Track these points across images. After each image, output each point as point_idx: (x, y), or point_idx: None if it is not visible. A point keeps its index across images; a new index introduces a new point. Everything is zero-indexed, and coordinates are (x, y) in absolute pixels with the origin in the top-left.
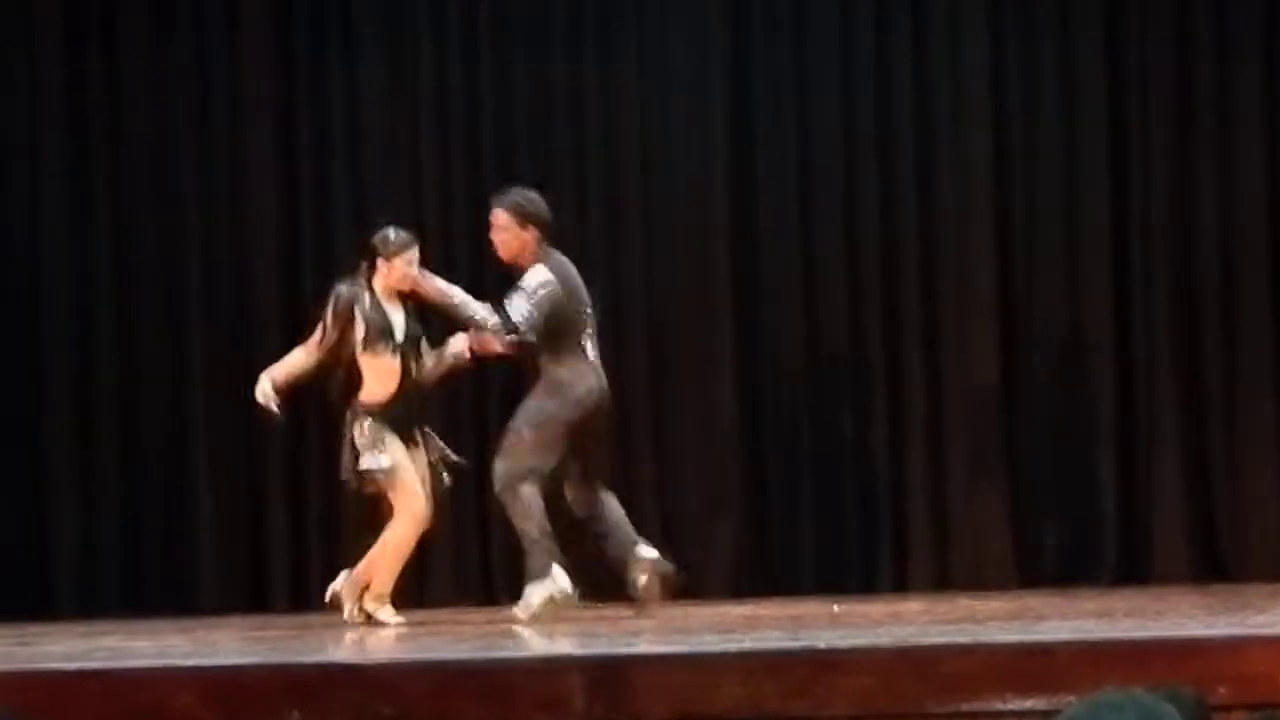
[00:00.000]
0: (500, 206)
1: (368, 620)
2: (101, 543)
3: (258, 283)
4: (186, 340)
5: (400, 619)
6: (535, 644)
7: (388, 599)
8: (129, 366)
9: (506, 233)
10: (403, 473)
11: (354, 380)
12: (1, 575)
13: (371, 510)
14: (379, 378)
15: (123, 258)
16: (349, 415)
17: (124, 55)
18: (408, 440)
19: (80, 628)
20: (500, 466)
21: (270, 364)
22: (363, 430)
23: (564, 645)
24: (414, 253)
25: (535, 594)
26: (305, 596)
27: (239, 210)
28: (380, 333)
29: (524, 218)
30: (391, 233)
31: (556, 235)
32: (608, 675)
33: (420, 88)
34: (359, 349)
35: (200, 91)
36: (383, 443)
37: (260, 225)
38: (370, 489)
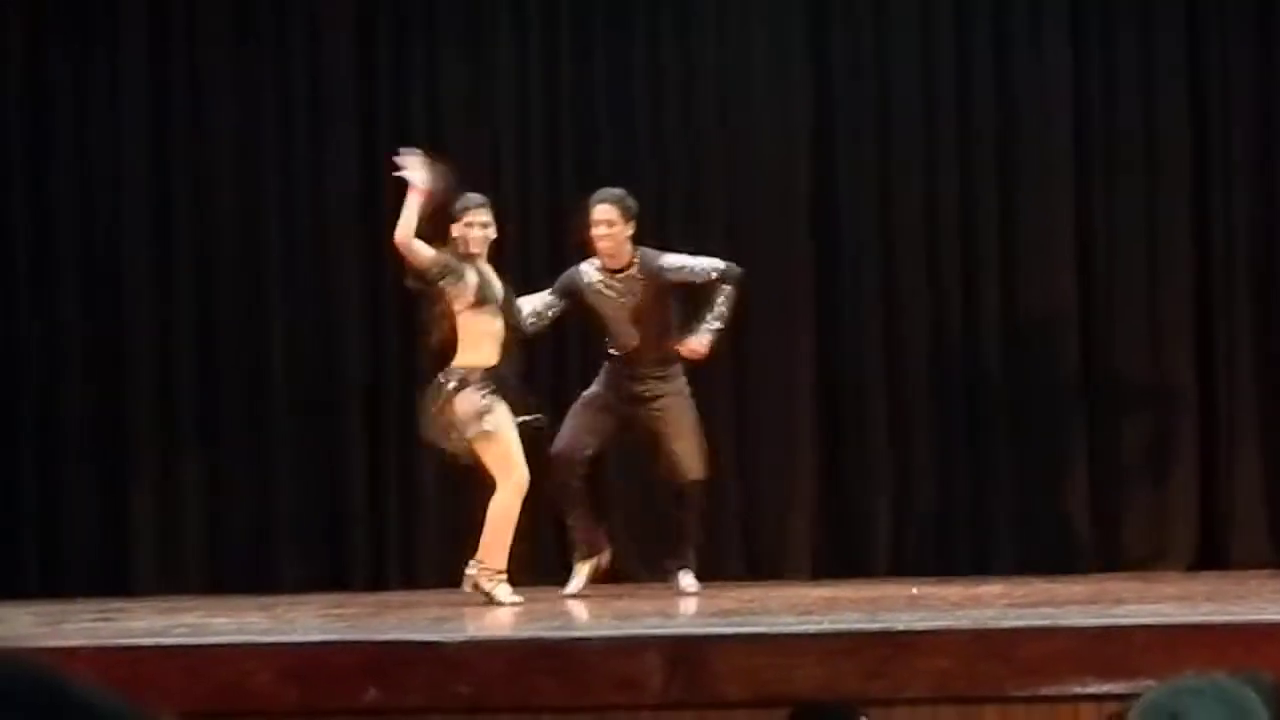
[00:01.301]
0: (607, 202)
1: (488, 600)
2: (182, 519)
3: (339, 279)
4: (267, 328)
5: (518, 598)
6: (613, 623)
7: (503, 575)
8: (209, 350)
9: (615, 228)
10: (506, 440)
11: (450, 345)
12: (85, 552)
13: (459, 480)
14: (480, 340)
15: (203, 248)
16: (443, 380)
17: (205, 56)
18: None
19: (161, 604)
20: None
21: (348, 348)
22: (465, 396)
23: (642, 625)
24: (481, 215)
25: None
26: (384, 574)
27: (320, 207)
28: (482, 294)
29: (627, 214)
30: (466, 197)
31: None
32: (685, 655)
33: (498, 87)
34: (462, 310)
35: (282, 92)
36: (489, 409)
37: (342, 218)
38: (472, 457)
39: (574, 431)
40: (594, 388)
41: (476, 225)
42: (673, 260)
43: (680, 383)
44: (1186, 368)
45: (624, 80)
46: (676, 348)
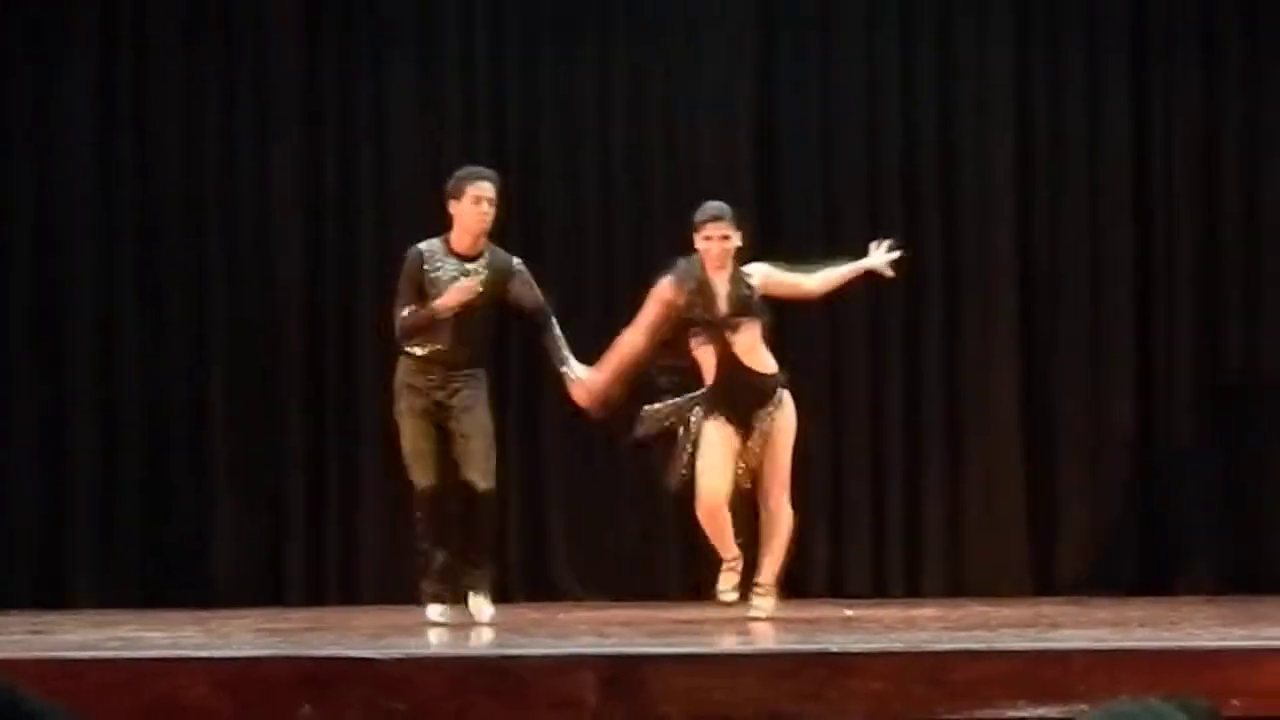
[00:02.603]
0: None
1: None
2: (118, 533)
3: (280, 281)
4: (208, 338)
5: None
6: (550, 641)
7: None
8: (150, 361)
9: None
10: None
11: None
12: (20, 564)
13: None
14: (707, 357)
15: (147, 260)
16: (687, 407)
17: (153, 53)
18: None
19: (95, 616)
20: None
21: (290, 363)
22: (696, 418)
23: (579, 644)
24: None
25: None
26: (321, 589)
27: (264, 210)
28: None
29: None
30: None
31: (578, 235)
32: (622, 674)
33: (448, 89)
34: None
35: (228, 92)
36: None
37: (285, 226)
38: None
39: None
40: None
41: (716, 238)
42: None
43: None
44: (1126, 393)
45: (570, 86)
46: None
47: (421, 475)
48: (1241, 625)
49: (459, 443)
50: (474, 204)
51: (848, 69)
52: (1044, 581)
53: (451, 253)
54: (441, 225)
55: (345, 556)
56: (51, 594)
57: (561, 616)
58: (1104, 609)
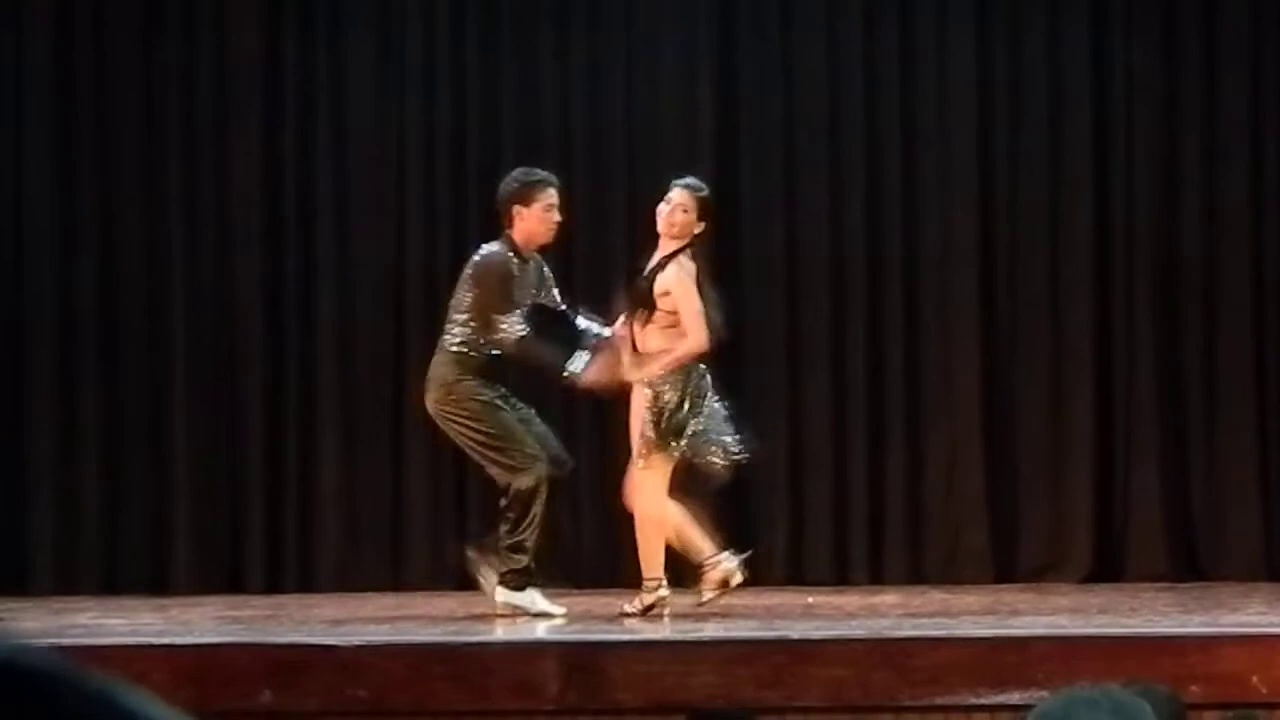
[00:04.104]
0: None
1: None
2: (78, 520)
3: (240, 272)
4: (168, 325)
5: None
6: (511, 629)
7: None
8: (110, 349)
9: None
10: None
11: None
12: None
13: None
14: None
15: (106, 247)
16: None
17: (111, 44)
18: None
19: (55, 604)
20: None
21: (249, 351)
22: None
23: (539, 631)
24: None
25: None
26: (280, 576)
27: (223, 204)
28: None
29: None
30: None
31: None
32: (582, 661)
33: (408, 78)
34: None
35: (187, 82)
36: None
37: (245, 217)
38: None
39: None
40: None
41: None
42: None
43: None
44: (1085, 380)
45: (531, 77)
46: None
47: (535, 457)
48: (1200, 612)
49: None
50: (545, 211)
51: (808, 56)
52: (1004, 569)
53: (518, 255)
54: (401, 217)
55: (304, 544)
56: (11, 581)
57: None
58: (1064, 596)
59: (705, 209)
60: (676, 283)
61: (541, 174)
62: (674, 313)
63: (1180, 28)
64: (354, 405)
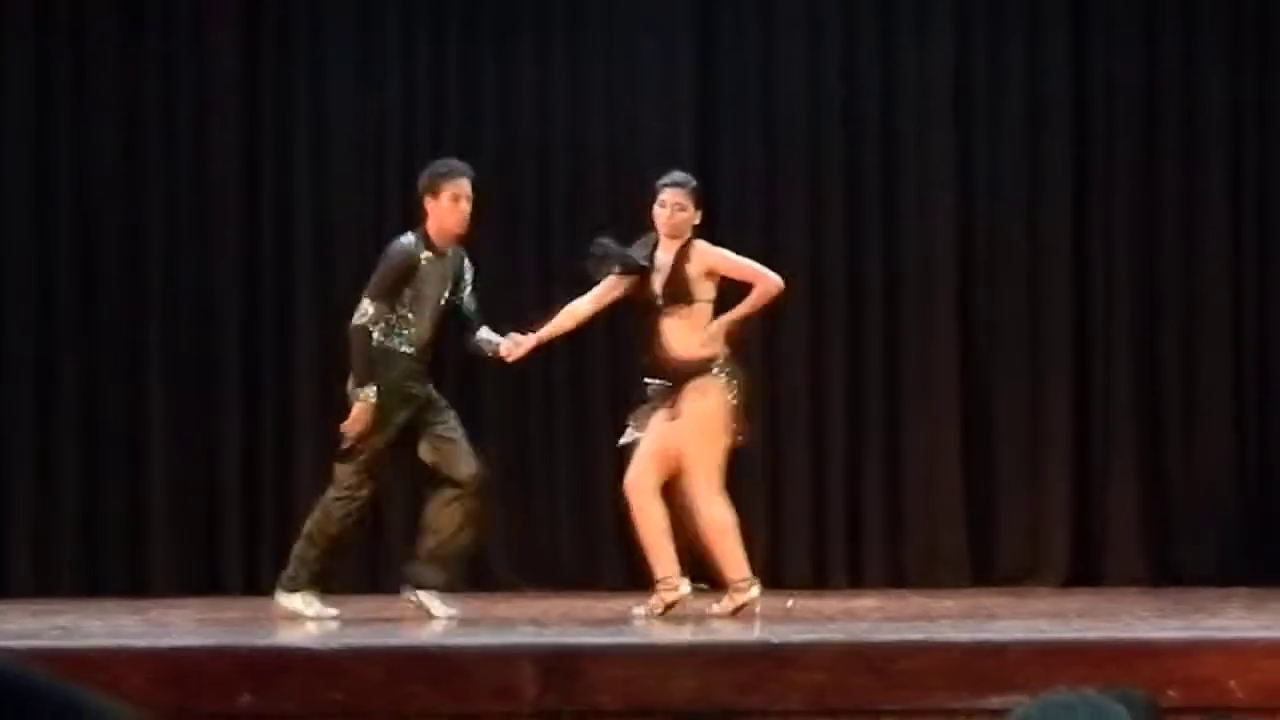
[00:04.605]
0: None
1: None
2: (56, 522)
3: (218, 271)
4: (146, 326)
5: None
6: (489, 632)
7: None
8: (87, 350)
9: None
10: None
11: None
12: None
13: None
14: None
15: (84, 247)
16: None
17: (91, 48)
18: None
19: (33, 606)
20: None
21: (227, 353)
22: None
23: (517, 634)
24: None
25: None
26: (258, 577)
27: (201, 201)
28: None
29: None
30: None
31: (516, 232)
32: (560, 665)
33: (387, 82)
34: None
35: (166, 84)
36: None
37: (223, 215)
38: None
39: None
40: None
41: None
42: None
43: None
44: (1063, 384)
45: (510, 76)
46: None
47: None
48: (1178, 617)
49: (443, 442)
50: (453, 202)
51: (788, 55)
52: (983, 573)
53: (431, 249)
54: (379, 214)
55: (282, 546)
56: None
57: (501, 608)
58: (1042, 600)
59: (698, 198)
60: (711, 254)
61: (452, 163)
62: (711, 301)
63: (1160, 31)
64: (331, 407)
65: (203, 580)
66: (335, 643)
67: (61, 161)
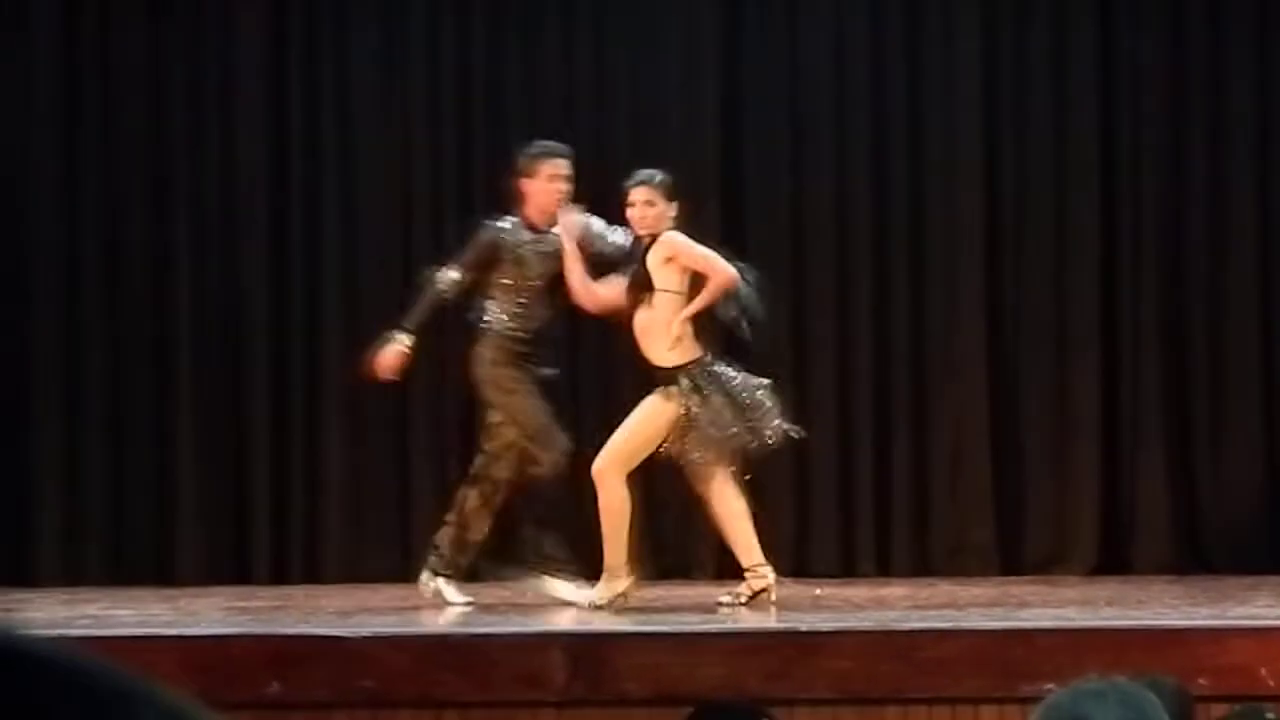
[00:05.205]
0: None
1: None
2: (85, 510)
3: (245, 259)
4: (173, 314)
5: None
6: (517, 620)
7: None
8: (115, 338)
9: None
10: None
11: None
12: None
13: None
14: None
15: (111, 232)
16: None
17: (117, 31)
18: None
19: (63, 595)
20: None
21: (255, 340)
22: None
23: (545, 622)
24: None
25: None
26: (286, 566)
27: (228, 187)
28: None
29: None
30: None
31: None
32: (588, 653)
33: (411, 64)
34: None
35: (193, 74)
36: None
37: (250, 201)
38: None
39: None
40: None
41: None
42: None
43: None
44: (1091, 371)
45: (536, 65)
46: None
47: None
48: (1207, 604)
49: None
50: (550, 181)
51: (814, 46)
52: (1011, 561)
53: (532, 228)
54: (406, 200)
55: (310, 535)
56: (19, 572)
57: (528, 595)
58: (1071, 588)
59: (669, 192)
60: (673, 242)
61: (549, 144)
62: (677, 291)
63: (1187, 20)
64: (360, 396)
65: (231, 568)
66: (364, 630)
67: (89, 143)
